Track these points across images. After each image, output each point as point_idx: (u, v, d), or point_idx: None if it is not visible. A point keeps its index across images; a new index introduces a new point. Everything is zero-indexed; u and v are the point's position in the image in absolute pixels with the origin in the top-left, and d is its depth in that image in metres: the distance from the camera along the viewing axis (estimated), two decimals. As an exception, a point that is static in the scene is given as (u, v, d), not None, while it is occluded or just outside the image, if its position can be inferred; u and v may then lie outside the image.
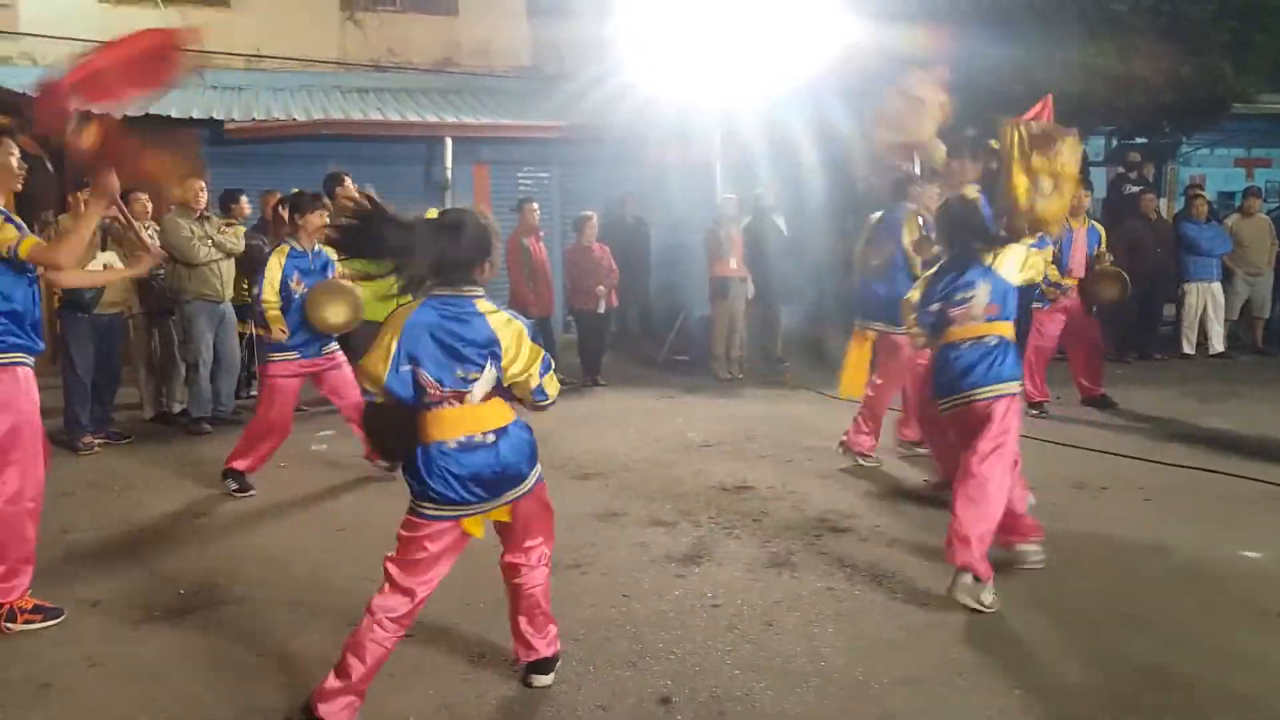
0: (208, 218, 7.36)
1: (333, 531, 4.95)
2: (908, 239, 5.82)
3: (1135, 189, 10.99)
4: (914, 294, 4.37)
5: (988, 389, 3.99)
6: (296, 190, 6.02)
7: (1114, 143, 13.54)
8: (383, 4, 12.72)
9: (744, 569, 4.27)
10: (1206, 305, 10.27)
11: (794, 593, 3.98)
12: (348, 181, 8.92)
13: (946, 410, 4.15)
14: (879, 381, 6.03)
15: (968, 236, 4.16)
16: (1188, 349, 10.28)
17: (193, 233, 7.14)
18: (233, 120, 10.50)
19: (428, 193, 11.21)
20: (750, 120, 10.71)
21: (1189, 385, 8.58)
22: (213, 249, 7.21)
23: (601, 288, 9.24)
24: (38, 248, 3.71)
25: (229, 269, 7.43)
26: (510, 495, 2.96)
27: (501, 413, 2.94)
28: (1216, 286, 10.31)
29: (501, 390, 2.93)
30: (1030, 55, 9.67)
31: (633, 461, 6.25)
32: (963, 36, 9.53)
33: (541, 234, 9.44)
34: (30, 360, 3.75)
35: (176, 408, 7.56)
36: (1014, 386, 4.04)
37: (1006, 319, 4.11)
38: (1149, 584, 4.04)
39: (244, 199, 8.04)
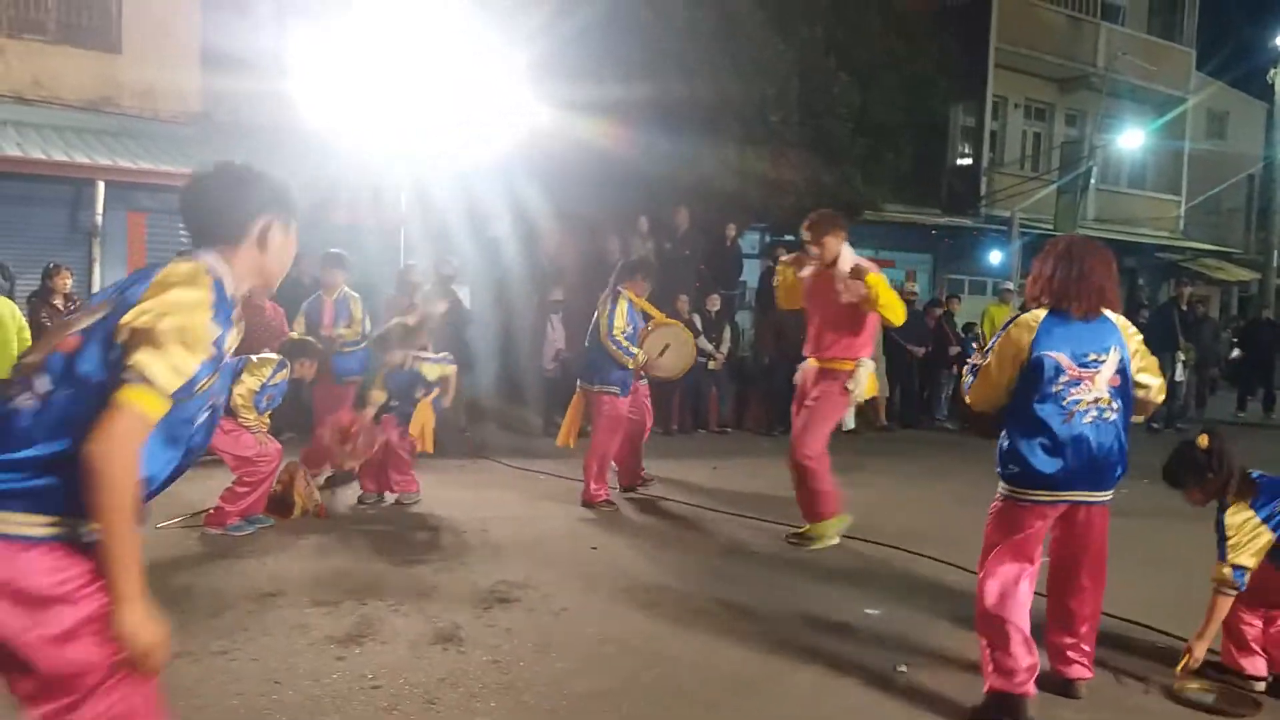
0: None
1: None
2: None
3: (784, 281, 12.18)
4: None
5: None
6: None
7: (766, 238, 15.06)
8: (30, 32, 11.36)
9: (408, 647, 4.15)
10: (841, 386, 11.55)
11: (458, 668, 3.93)
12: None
13: None
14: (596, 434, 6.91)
15: None
16: (826, 426, 11.49)
17: None
18: None
19: (73, 239, 10.12)
20: (441, 190, 10.75)
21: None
22: None
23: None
24: None
25: None
26: None
27: None
28: (850, 369, 11.64)
29: None
30: (695, 152, 10.57)
31: (293, 536, 5.90)
32: (638, 129, 10.27)
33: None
34: None
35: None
36: None
37: None
38: (785, 642, 4.39)
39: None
